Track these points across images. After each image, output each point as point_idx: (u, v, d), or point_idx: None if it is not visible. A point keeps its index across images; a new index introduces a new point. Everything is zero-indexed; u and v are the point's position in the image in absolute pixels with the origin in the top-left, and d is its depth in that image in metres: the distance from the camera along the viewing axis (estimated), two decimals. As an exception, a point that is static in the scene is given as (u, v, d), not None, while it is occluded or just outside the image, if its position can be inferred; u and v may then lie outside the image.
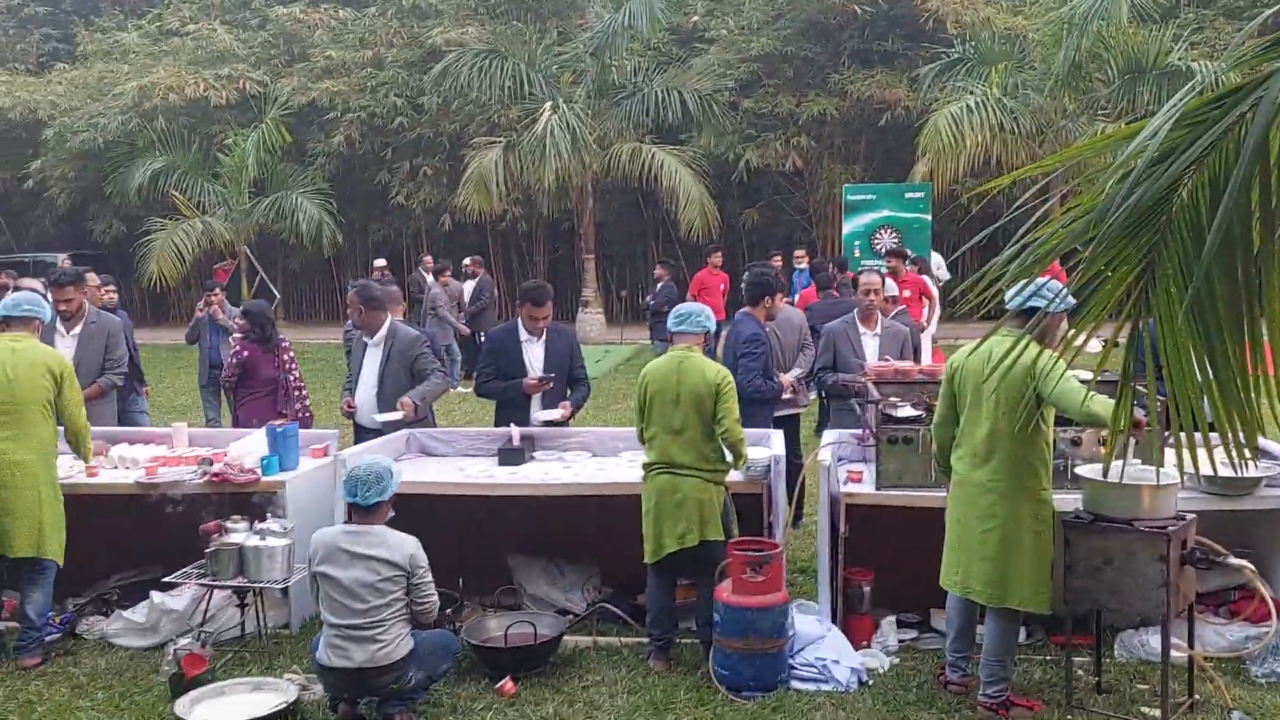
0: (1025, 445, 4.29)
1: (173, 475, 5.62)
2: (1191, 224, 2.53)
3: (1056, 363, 3.87)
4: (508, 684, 4.79)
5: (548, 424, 6.33)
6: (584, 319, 20.39)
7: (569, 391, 6.54)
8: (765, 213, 22.75)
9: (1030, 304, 4.04)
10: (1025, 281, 3.78)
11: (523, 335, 6.42)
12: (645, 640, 5.20)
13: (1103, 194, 2.51)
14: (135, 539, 6.03)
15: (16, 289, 7.74)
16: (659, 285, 14.89)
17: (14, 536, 5.17)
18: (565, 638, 5.18)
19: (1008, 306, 4.14)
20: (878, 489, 5.16)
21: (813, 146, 21.29)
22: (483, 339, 12.14)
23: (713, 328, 5.20)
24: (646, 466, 5.02)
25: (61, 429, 5.46)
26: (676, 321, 5.12)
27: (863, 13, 20.63)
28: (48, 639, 5.36)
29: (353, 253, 24.61)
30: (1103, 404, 4.01)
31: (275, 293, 21.59)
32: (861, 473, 5.34)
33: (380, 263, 16.47)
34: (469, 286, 15.21)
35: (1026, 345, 2.96)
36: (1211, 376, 2.51)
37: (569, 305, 20.85)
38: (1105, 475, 4.16)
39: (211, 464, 5.64)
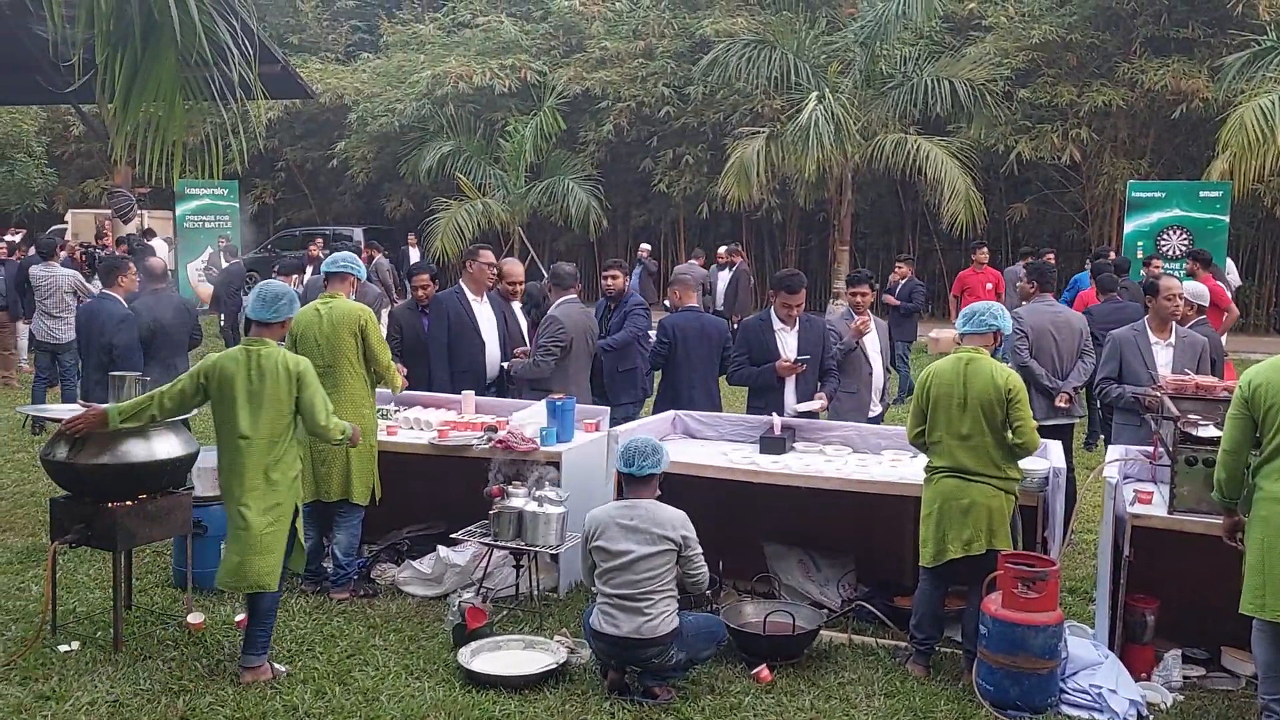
0: None
1: (462, 439, 6.03)
2: None
3: None
4: (764, 671, 4.83)
5: (803, 415, 6.33)
6: (834, 310, 20.13)
7: (819, 384, 6.52)
8: (1034, 208, 21.62)
9: None
10: None
11: (776, 324, 6.54)
12: (903, 644, 5.11)
13: None
14: (425, 495, 6.53)
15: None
16: (900, 283, 14.10)
17: (330, 483, 5.75)
18: (821, 632, 5.18)
19: None
20: (1170, 512, 4.80)
21: (1093, 139, 19.99)
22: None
23: (1005, 326, 4.95)
24: (930, 469, 4.90)
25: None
26: (963, 321, 4.97)
27: (1161, -3, 19.13)
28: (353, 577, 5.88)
29: (613, 236, 25.40)
30: None
31: (544, 273, 22.64)
32: (1152, 494, 4.99)
33: (646, 247, 16.91)
34: (724, 276, 15.34)
35: None
36: None
37: (819, 296, 20.64)
38: None
39: (496, 431, 6.01)
